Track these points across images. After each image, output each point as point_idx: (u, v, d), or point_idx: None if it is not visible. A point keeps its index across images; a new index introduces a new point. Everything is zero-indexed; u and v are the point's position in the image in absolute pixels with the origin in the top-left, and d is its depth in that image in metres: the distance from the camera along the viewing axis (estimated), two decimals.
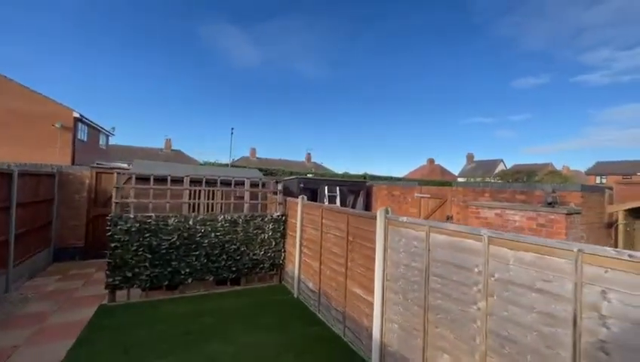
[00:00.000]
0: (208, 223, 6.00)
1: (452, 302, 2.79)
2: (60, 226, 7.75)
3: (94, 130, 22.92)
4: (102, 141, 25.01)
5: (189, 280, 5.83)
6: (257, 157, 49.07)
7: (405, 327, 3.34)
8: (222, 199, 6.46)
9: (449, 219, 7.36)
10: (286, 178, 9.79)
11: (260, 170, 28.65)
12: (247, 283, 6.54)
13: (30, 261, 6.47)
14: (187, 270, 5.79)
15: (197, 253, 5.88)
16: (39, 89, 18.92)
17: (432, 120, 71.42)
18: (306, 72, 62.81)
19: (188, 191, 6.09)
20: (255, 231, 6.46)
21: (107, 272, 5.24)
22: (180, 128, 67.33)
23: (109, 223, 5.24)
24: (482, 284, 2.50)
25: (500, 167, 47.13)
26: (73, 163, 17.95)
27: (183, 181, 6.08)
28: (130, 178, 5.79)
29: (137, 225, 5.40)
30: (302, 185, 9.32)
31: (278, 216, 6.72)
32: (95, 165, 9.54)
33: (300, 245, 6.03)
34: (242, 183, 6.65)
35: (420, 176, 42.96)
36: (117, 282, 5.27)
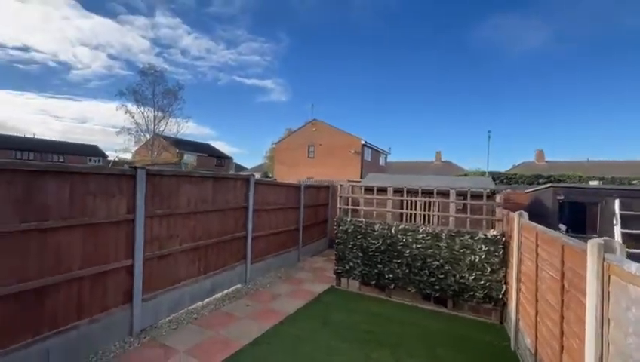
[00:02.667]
0: (409, 233, 5.99)
1: None
2: (331, 223, 10.97)
3: (376, 151, 29.30)
4: (381, 160, 31.33)
5: (392, 286, 6.12)
6: (546, 161, 38.98)
7: None
8: (423, 210, 6.18)
9: None
10: (534, 188, 7.26)
11: (540, 176, 22.62)
12: (456, 308, 5.68)
13: (312, 245, 9.77)
14: (390, 275, 6.13)
15: (399, 261, 6.05)
16: (341, 124, 27.32)
17: None
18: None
19: (391, 201, 6.46)
20: (462, 251, 5.52)
21: (335, 261, 6.83)
22: (452, 140, 68.17)
23: (335, 224, 6.84)
24: None
25: None
26: (361, 178, 23.98)
27: (387, 191, 6.56)
28: (353, 188, 7.16)
29: (352, 227, 6.58)
30: (561, 198, 6.53)
31: (494, 236, 5.27)
32: (352, 180, 12.40)
33: (518, 280, 4.38)
34: (448, 193, 5.96)
35: None
36: (340, 271, 6.71)
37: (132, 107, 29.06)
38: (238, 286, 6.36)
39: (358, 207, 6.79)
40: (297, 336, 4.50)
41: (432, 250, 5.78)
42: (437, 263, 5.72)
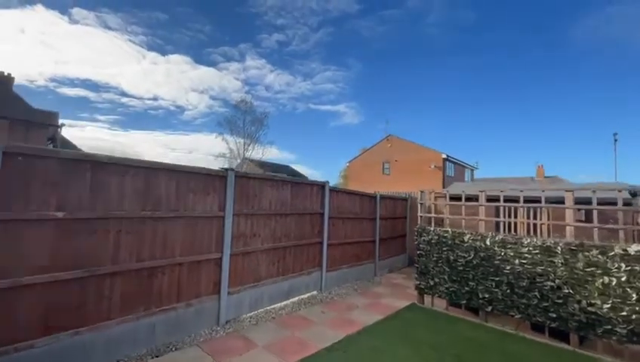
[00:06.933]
0: (509, 246, 5.03)
1: None
2: (410, 238, 10.16)
3: (459, 166, 26.71)
4: (467, 175, 28.31)
5: (489, 308, 5.15)
6: None
7: None
8: (527, 218, 5.13)
9: None
10: None
11: None
12: (584, 346, 4.39)
13: (390, 260, 9.16)
14: (486, 295, 5.19)
15: (497, 278, 5.10)
16: (419, 140, 25.93)
17: None
18: None
19: (483, 208, 5.58)
20: (588, 270, 4.32)
21: (415, 276, 6.19)
22: (556, 152, 57.14)
23: (416, 234, 6.26)
24: None
25: None
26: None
27: (479, 198, 5.72)
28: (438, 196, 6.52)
29: (436, 237, 5.90)
30: None
31: None
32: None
33: None
34: (562, 201, 4.84)
35: None
36: (422, 286, 6.02)
37: (227, 136, 33.71)
38: (314, 292, 6.31)
39: (442, 215, 6.10)
40: (375, 348, 4.11)
41: (542, 267, 4.69)
42: (550, 284, 4.60)
